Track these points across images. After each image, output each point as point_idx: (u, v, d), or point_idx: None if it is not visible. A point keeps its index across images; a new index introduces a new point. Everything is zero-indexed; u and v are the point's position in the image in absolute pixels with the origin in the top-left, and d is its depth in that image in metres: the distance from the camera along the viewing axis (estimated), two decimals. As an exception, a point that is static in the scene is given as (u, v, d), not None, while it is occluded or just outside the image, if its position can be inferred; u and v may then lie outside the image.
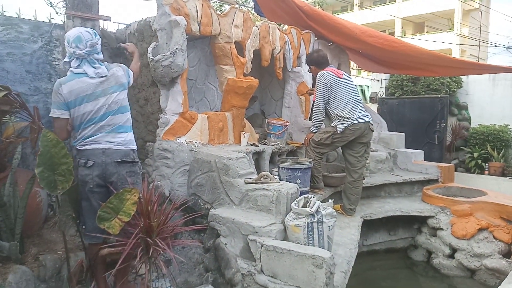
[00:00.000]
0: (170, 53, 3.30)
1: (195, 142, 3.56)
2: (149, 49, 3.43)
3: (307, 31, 5.19)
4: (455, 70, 6.61)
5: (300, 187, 3.31)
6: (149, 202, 2.35)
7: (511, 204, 4.07)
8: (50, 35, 3.43)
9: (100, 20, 3.59)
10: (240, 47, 4.11)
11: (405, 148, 5.99)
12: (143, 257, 2.27)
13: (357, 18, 22.26)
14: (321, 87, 3.78)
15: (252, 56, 4.24)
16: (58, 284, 2.64)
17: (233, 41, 3.96)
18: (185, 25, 3.36)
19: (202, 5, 3.61)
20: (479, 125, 8.98)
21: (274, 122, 4.47)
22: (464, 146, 8.94)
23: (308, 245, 2.60)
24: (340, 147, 4.00)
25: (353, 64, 8.17)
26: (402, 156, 5.66)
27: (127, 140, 2.52)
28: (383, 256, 4.58)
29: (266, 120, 4.67)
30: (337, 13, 24.43)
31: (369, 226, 4.33)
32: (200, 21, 3.61)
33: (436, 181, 5.22)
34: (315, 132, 3.93)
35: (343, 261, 2.88)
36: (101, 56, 2.51)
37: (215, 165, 3.24)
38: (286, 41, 4.73)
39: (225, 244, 2.86)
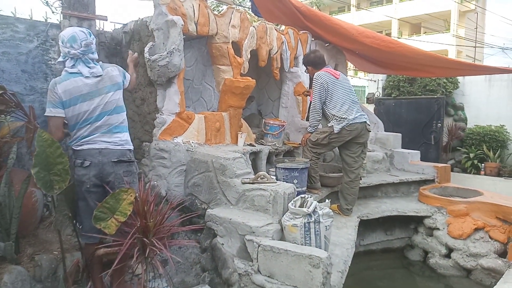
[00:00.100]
0: (167, 53, 3.30)
1: (192, 142, 3.55)
2: (146, 49, 3.42)
3: (304, 31, 5.20)
4: (452, 71, 6.64)
5: (297, 187, 3.32)
6: (146, 202, 2.34)
7: (507, 204, 4.09)
8: (46, 35, 3.41)
9: (96, 20, 3.58)
10: (237, 47, 4.10)
11: (402, 148, 6.02)
12: (139, 257, 2.26)
13: (354, 18, 22.30)
14: (318, 88, 3.79)
15: (249, 56, 4.23)
16: (54, 284, 2.62)
17: (230, 41, 3.96)
18: (182, 25, 3.36)
19: (199, 5, 3.60)
20: (475, 125, 9.04)
21: (271, 122, 4.47)
22: (460, 147, 8.99)
23: (305, 245, 2.61)
24: (337, 147, 4.01)
25: (350, 65, 8.19)
26: (399, 156, 5.68)
27: (123, 140, 2.51)
28: (380, 256, 4.59)
29: (263, 120, 4.67)
30: (334, 14, 24.51)
31: (366, 226, 4.34)
32: (197, 21, 3.60)
33: (432, 181, 5.24)
34: (312, 133, 3.94)
35: (340, 261, 2.89)
36: (95, 56, 2.50)
37: (212, 165, 3.23)
38: (283, 42, 4.73)
39: (222, 244, 2.85)
